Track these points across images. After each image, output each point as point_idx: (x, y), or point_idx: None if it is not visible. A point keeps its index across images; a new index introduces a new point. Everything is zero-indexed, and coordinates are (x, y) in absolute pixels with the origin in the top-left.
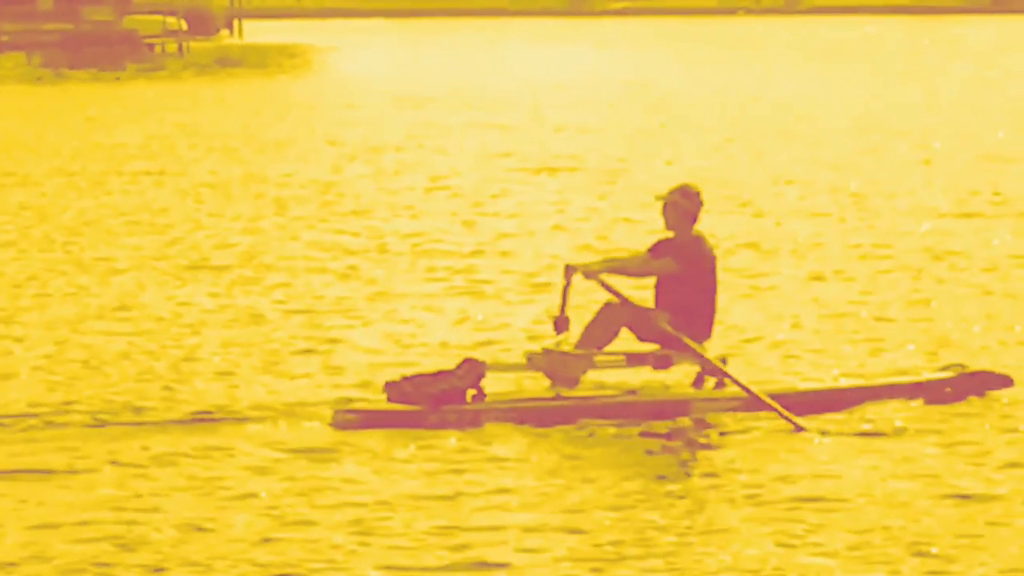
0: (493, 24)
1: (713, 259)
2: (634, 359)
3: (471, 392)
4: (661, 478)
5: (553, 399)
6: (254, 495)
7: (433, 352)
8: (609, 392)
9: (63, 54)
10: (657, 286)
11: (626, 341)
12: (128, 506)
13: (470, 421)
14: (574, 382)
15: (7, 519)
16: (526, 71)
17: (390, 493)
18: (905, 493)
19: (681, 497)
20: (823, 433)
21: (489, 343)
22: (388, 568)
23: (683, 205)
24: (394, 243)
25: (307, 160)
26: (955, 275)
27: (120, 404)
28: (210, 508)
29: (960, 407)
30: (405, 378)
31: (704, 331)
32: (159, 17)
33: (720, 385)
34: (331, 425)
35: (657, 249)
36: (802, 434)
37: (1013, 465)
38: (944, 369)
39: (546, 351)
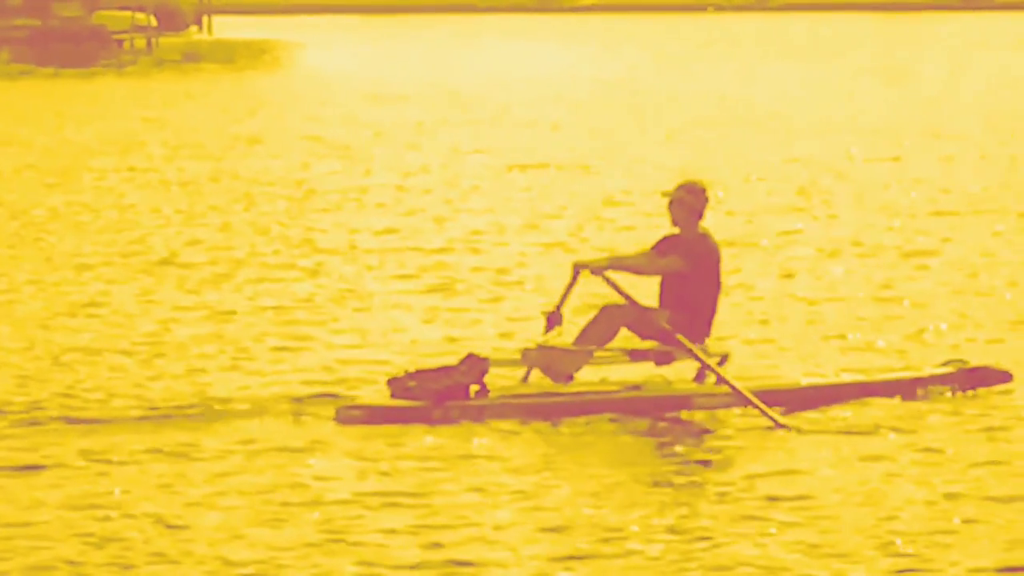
0: (463, 20)
1: (718, 256)
2: (636, 355)
3: (474, 388)
4: (644, 475)
5: (556, 395)
6: (224, 492)
7: (405, 349)
8: (612, 387)
9: (31, 50)
10: (662, 282)
11: (629, 337)
12: (98, 503)
13: (473, 417)
14: (568, 377)
15: None
16: (496, 67)
17: (362, 490)
18: (881, 490)
19: (660, 495)
20: (799, 431)
21: (459, 340)
22: (360, 564)
23: (689, 201)
24: (364, 240)
25: (277, 157)
26: (926, 273)
27: (90, 401)
28: (180, 505)
29: (944, 403)
30: (408, 374)
31: (705, 328)
32: (128, 13)
33: (721, 381)
34: (335, 421)
35: (663, 245)
36: (784, 432)
37: (991, 463)
38: (945, 364)
39: (540, 346)
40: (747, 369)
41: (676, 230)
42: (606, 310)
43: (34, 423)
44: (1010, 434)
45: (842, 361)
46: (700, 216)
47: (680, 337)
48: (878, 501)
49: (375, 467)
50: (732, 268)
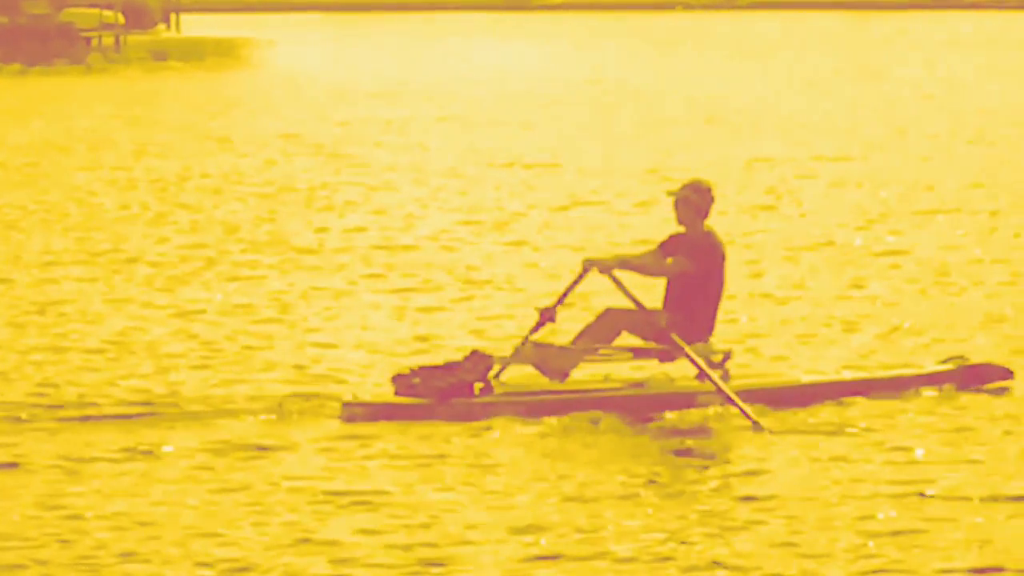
0: (432, 18)
1: (723, 255)
2: (640, 352)
3: (479, 385)
4: (622, 476)
5: (560, 392)
6: (194, 492)
7: (374, 347)
8: (616, 385)
9: None
10: (668, 281)
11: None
12: (68, 502)
13: (478, 414)
14: (563, 375)
15: None
16: (465, 66)
17: (333, 489)
18: (854, 490)
19: (637, 495)
20: (770, 431)
21: (429, 338)
22: (332, 563)
23: (694, 200)
24: (334, 238)
25: (246, 155)
26: (896, 272)
27: (59, 399)
28: (150, 504)
29: (921, 402)
30: (412, 371)
31: (709, 325)
32: (96, 11)
33: (726, 378)
34: (339, 418)
35: (669, 244)
36: (765, 432)
37: (970, 462)
38: (945, 362)
39: (535, 343)
40: (747, 367)
41: (682, 229)
42: (607, 313)
43: (3, 421)
44: (982, 434)
45: (812, 361)
46: (706, 215)
47: (674, 336)
48: (851, 501)
49: (347, 466)
50: None
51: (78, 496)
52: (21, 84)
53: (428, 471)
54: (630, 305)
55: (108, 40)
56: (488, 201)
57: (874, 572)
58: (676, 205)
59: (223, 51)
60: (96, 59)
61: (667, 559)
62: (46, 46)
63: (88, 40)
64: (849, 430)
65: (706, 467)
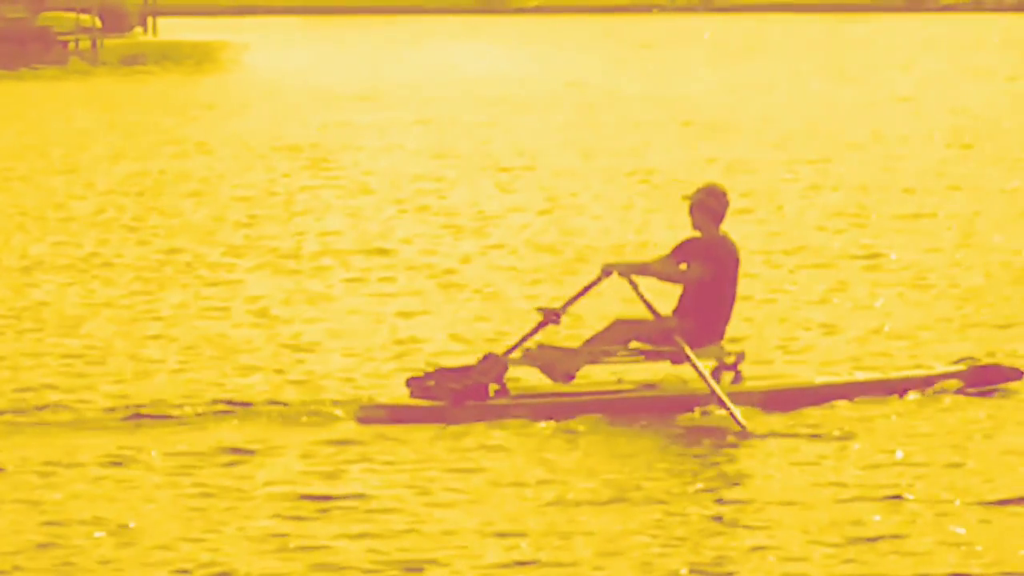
0: (408, 22)
1: (737, 259)
2: (652, 354)
3: (494, 387)
4: (606, 481)
5: (574, 395)
6: (171, 496)
7: (352, 351)
8: (628, 387)
9: None
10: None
11: None
12: (44, 507)
13: (493, 416)
14: (569, 377)
15: None
16: (440, 69)
17: (310, 493)
18: (835, 494)
19: (615, 501)
20: (759, 436)
21: (405, 342)
22: (309, 568)
23: (709, 205)
24: (311, 242)
25: (222, 158)
26: (873, 275)
27: (35, 404)
28: (126, 509)
29: (903, 406)
30: (428, 373)
31: (721, 328)
32: (72, 14)
33: (738, 379)
34: (356, 420)
35: (684, 248)
36: (755, 437)
37: (952, 466)
38: (956, 362)
39: (541, 346)
40: (756, 369)
41: (697, 233)
42: (617, 323)
43: None
44: (967, 437)
45: (791, 365)
46: (720, 219)
47: (677, 338)
48: (833, 505)
49: (324, 470)
50: None
51: (57, 501)
52: None
53: (409, 476)
54: (640, 313)
55: (85, 44)
56: (466, 204)
57: None
58: (691, 209)
59: (200, 55)
60: (74, 63)
61: (645, 564)
62: (23, 50)
63: (65, 44)
64: (838, 433)
65: (690, 472)
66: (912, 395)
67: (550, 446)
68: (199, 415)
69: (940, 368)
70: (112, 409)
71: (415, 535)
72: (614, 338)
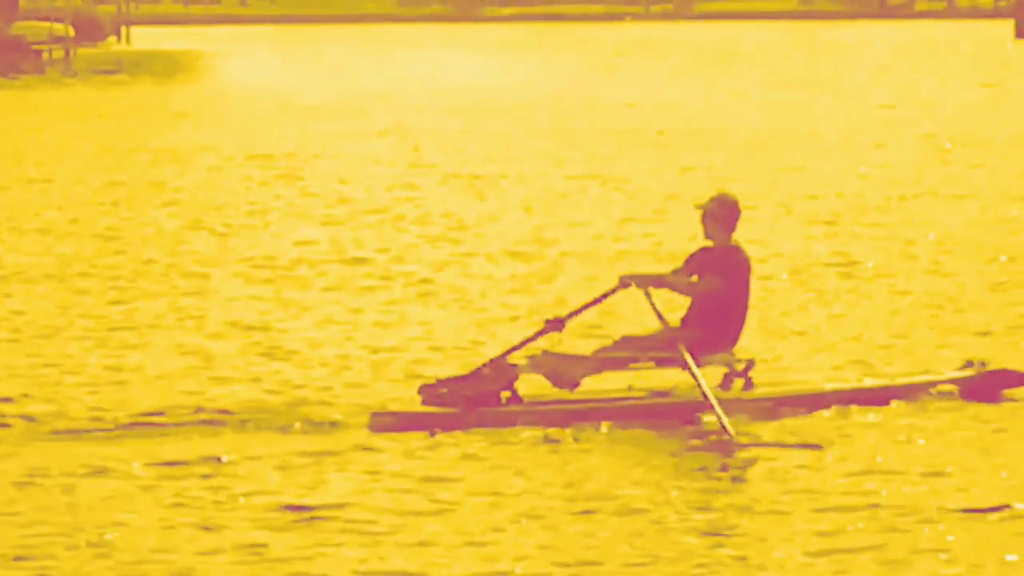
0: (381, 30)
1: (749, 268)
2: (663, 361)
3: (505, 394)
4: (585, 493)
5: (585, 401)
6: (146, 507)
7: (326, 360)
8: (640, 393)
9: None
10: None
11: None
12: (20, 519)
13: (505, 422)
14: (574, 384)
15: None
16: (414, 77)
17: (287, 503)
18: (817, 505)
19: (592, 515)
20: (744, 445)
21: (381, 350)
22: None
23: (721, 214)
24: (286, 251)
25: (195, 167)
26: (849, 283)
27: (11, 416)
28: (105, 519)
29: (883, 414)
30: (439, 380)
31: (733, 336)
32: (46, 24)
33: (749, 387)
34: (368, 428)
35: (696, 257)
36: (734, 445)
37: (933, 475)
38: (964, 367)
39: (546, 352)
40: (767, 376)
41: (708, 242)
42: (624, 340)
43: None
44: (951, 448)
45: (772, 373)
46: (732, 229)
47: (680, 346)
48: (809, 514)
49: (303, 480)
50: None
51: (33, 512)
52: None
53: (386, 485)
54: (647, 327)
55: (59, 53)
56: (441, 212)
57: None
58: (703, 219)
59: (174, 64)
60: (47, 72)
61: (624, 575)
62: None
63: (39, 53)
64: (820, 441)
65: (671, 481)
66: (896, 403)
67: (528, 455)
68: (176, 425)
69: (949, 373)
70: (88, 419)
71: (392, 545)
72: (626, 356)
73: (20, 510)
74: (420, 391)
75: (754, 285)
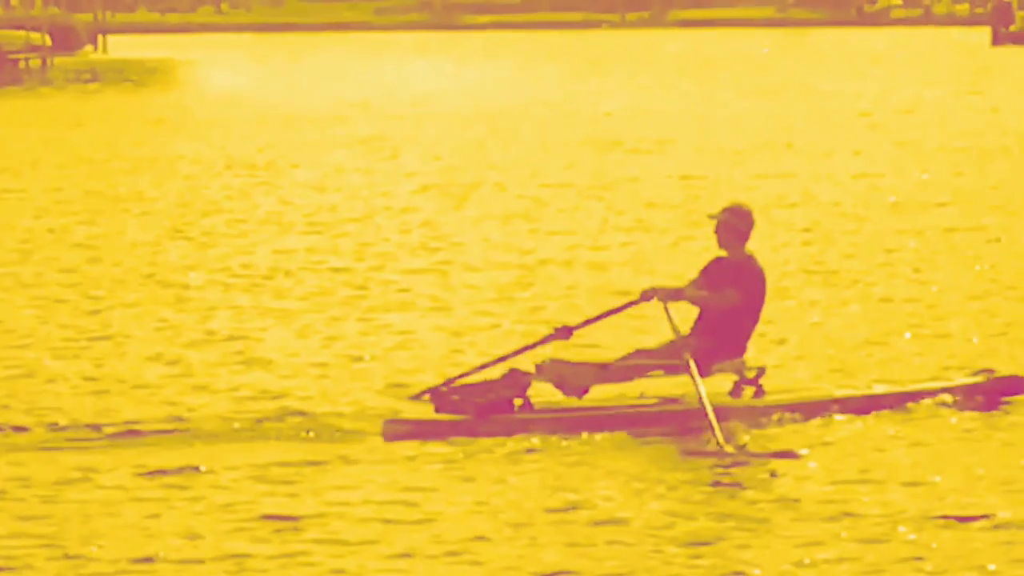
0: (358, 38)
1: (764, 279)
2: (672, 369)
3: (518, 401)
4: (562, 503)
5: (597, 409)
6: (126, 515)
7: (305, 369)
8: (650, 401)
9: None
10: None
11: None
12: None
13: (518, 430)
14: (583, 391)
15: None
16: (390, 85)
17: (263, 513)
18: (799, 514)
19: (570, 522)
20: (730, 455)
21: (360, 359)
22: None
23: (735, 224)
24: (261, 259)
25: (174, 175)
26: (827, 291)
27: None
28: (80, 529)
29: (882, 422)
30: (452, 388)
31: (743, 343)
32: (22, 32)
33: (759, 394)
34: (381, 435)
35: (711, 269)
36: (724, 456)
37: (912, 484)
38: (974, 374)
39: (555, 360)
40: (778, 383)
41: (723, 252)
42: (637, 352)
43: None
44: (928, 458)
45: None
46: (746, 239)
47: (685, 354)
48: (789, 524)
49: (281, 489)
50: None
51: (7, 522)
52: None
53: (365, 495)
54: (663, 338)
55: (35, 62)
56: (419, 220)
57: None
58: (717, 229)
59: (151, 72)
60: (23, 81)
61: None
62: None
63: (15, 62)
64: (802, 450)
65: (650, 489)
66: (879, 412)
67: (510, 464)
68: (155, 434)
69: (960, 380)
70: (67, 429)
71: (372, 555)
72: (632, 364)
73: None
74: (432, 398)
75: (769, 295)
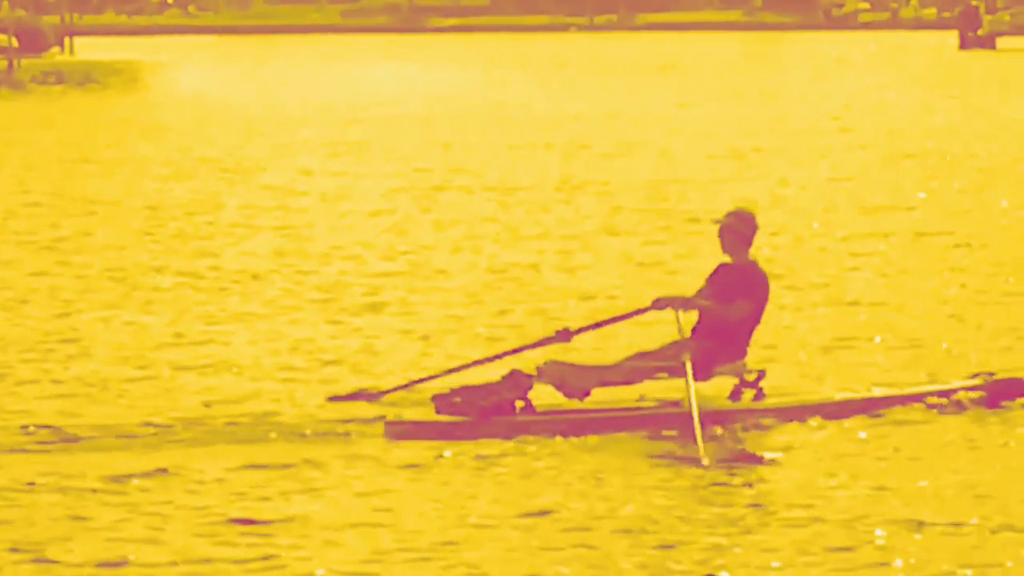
0: (325, 41)
1: (767, 284)
2: (675, 371)
3: (519, 403)
4: (539, 507)
5: (599, 411)
6: (94, 519)
7: (270, 373)
8: (651, 404)
9: None
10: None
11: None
12: None
13: (519, 432)
14: (584, 393)
15: None
16: (357, 88)
17: (230, 517)
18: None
19: (536, 527)
20: (709, 467)
21: (333, 363)
22: None
23: (738, 229)
24: (230, 262)
25: (141, 177)
26: (794, 295)
27: None
28: (47, 533)
29: (861, 425)
30: (453, 390)
31: (743, 347)
32: None
33: (759, 397)
34: (383, 436)
35: (718, 277)
36: (702, 467)
37: (882, 488)
38: (972, 377)
39: (555, 362)
40: (779, 385)
41: (727, 257)
42: (639, 355)
43: None
44: (899, 463)
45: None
46: (750, 243)
47: (684, 356)
48: (758, 528)
49: (249, 493)
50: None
51: None
52: None
53: (332, 498)
54: (662, 342)
55: (2, 64)
56: (387, 224)
57: None
58: (721, 234)
59: (117, 74)
60: None
61: None
62: None
63: None
64: (772, 457)
65: (618, 496)
66: (851, 417)
67: (480, 467)
68: (122, 437)
69: (959, 382)
70: (31, 431)
71: (341, 559)
72: (634, 366)
73: None
74: (433, 400)
75: (772, 300)
